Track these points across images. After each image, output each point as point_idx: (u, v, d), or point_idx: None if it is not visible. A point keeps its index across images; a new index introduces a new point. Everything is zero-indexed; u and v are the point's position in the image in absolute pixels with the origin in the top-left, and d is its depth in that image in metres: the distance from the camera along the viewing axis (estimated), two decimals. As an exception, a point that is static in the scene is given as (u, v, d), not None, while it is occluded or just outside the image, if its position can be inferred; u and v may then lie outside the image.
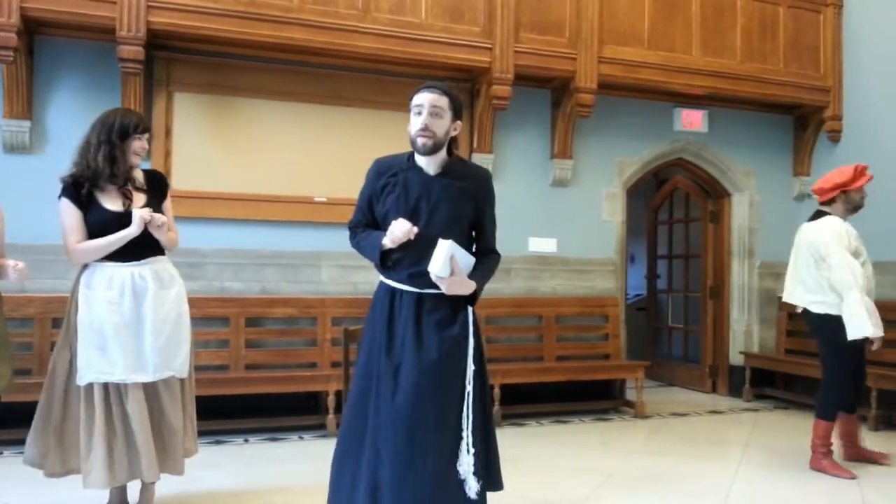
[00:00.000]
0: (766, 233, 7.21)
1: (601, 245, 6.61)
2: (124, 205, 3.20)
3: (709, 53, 6.47)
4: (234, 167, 5.53)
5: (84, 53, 5.19)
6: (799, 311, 4.62)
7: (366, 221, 2.73)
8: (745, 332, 7.16)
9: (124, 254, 3.18)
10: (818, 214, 4.54)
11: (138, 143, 3.23)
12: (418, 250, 2.56)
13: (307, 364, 5.57)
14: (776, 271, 7.18)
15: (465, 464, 2.56)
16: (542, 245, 6.40)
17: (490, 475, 2.68)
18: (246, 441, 5.01)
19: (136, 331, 3.16)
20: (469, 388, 2.60)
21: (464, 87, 6.10)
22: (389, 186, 2.63)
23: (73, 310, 3.19)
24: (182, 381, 3.34)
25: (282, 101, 5.66)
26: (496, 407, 5.57)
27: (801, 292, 4.56)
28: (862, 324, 4.20)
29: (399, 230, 2.53)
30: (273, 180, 5.61)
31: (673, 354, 8.09)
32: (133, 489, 3.34)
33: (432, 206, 2.60)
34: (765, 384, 7.01)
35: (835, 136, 6.93)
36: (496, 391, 5.55)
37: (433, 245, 2.52)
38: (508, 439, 5.19)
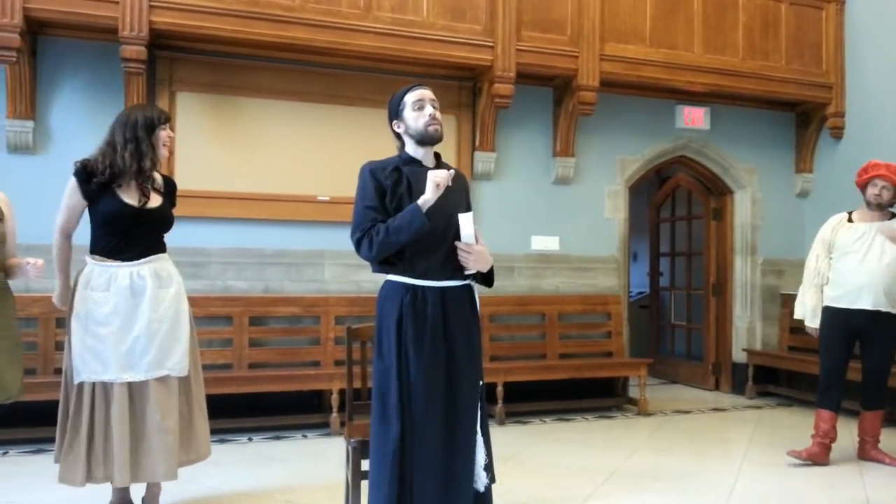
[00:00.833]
0: (768, 230, 7.21)
1: (604, 243, 6.61)
2: (140, 201, 3.20)
3: (710, 50, 6.47)
4: (237, 166, 5.54)
5: (87, 53, 5.20)
6: None
7: (381, 219, 2.60)
8: (748, 330, 7.15)
9: (124, 252, 3.18)
10: None
11: (164, 133, 3.26)
12: (440, 237, 2.61)
13: (310, 363, 5.58)
14: (779, 268, 7.19)
15: (480, 458, 2.62)
16: (545, 243, 6.40)
17: (490, 467, 2.72)
18: (249, 440, 5.02)
19: (131, 329, 3.15)
20: (481, 381, 2.68)
21: (466, 85, 6.11)
22: (394, 181, 2.64)
23: (71, 309, 3.20)
24: (184, 380, 3.29)
25: (284, 100, 5.67)
26: (499, 405, 5.59)
27: None
28: (798, 309, 4.73)
29: (439, 176, 2.55)
30: (276, 179, 5.62)
31: (676, 352, 8.09)
32: (135, 488, 3.34)
33: (442, 197, 2.62)
34: (768, 381, 7.00)
35: (837, 132, 6.92)
36: (499, 389, 5.56)
37: (449, 231, 2.60)
38: (511, 437, 5.20)
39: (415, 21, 5.58)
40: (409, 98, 2.69)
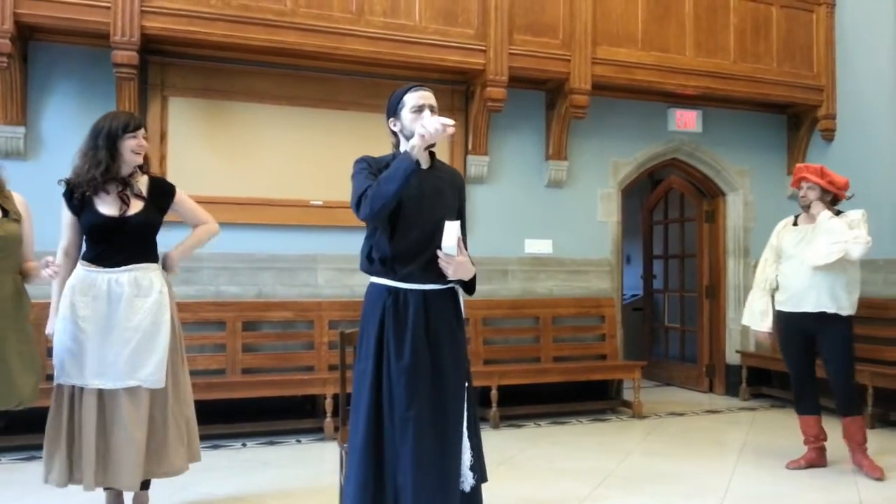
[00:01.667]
0: (761, 232, 7.20)
1: (597, 246, 6.62)
2: (120, 210, 3.19)
3: (702, 54, 6.49)
4: (229, 171, 5.53)
5: (78, 59, 5.18)
6: None
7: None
8: (742, 332, 7.16)
9: (106, 260, 3.18)
10: None
11: (133, 142, 3.21)
12: (424, 241, 2.60)
13: (304, 367, 5.56)
14: (771, 270, 7.20)
15: (466, 458, 2.61)
16: (538, 246, 6.41)
17: (480, 467, 2.71)
18: (243, 445, 5.00)
19: (106, 337, 3.14)
20: (467, 382, 2.68)
21: (458, 89, 6.11)
22: None
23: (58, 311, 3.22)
24: (160, 392, 3.20)
25: (276, 104, 5.67)
26: (494, 408, 5.58)
27: None
28: (746, 314, 4.74)
29: (432, 123, 2.47)
30: (268, 184, 5.61)
31: (670, 354, 8.10)
32: (129, 494, 3.33)
33: (433, 197, 2.63)
34: (761, 383, 7.02)
35: (828, 134, 6.95)
36: (494, 393, 5.56)
37: (436, 235, 2.57)
38: (506, 441, 5.19)
39: (407, 25, 5.58)
40: (410, 99, 2.67)
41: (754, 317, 4.64)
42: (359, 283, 5.71)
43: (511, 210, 6.28)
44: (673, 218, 8.06)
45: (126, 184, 3.22)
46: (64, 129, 5.11)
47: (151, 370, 3.17)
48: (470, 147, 6.11)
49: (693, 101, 6.81)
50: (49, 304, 3.32)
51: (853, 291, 4.35)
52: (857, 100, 6.71)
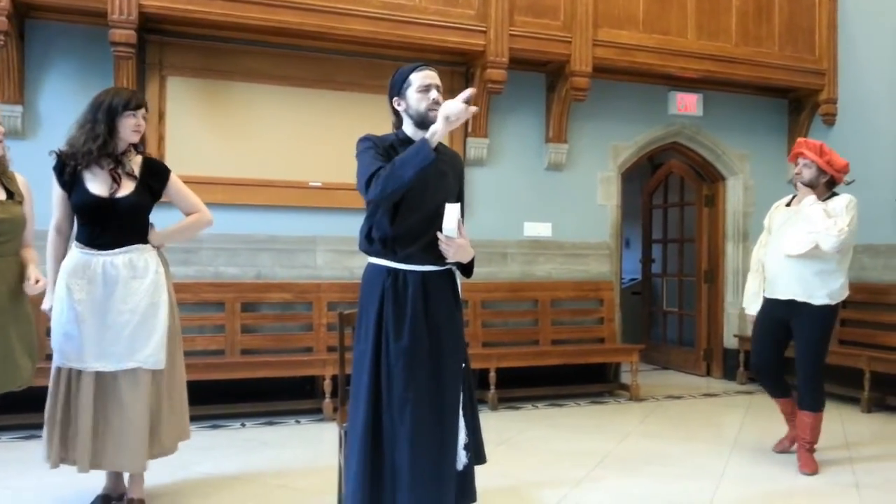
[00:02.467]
0: (760, 216, 7.09)
1: (596, 229, 6.62)
2: (111, 189, 3.13)
3: (704, 36, 6.45)
4: (228, 151, 5.51)
5: (76, 37, 5.14)
6: None
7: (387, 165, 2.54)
8: (740, 316, 7.17)
9: (99, 242, 3.13)
10: None
11: (132, 121, 3.15)
12: (425, 223, 2.59)
13: (303, 348, 5.57)
14: (770, 255, 7.20)
15: (461, 438, 2.62)
16: (538, 229, 6.40)
17: (477, 449, 2.73)
18: (242, 425, 5.02)
19: (103, 319, 3.11)
20: (464, 364, 2.69)
21: (458, 70, 6.08)
22: (389, 159, 2.61)
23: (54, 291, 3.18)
24: (157, 373, 3.19)
25: (275, 84, 5.63)
26: (492, 391, 5.60)
27: None
28: (744, 295, 4.56)
29: (456, 106, 2.43)
30: (267, 165, 5.59)
31: (668, 338, 8.12)
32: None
33: (436, 179, 2.62)
34: (759, 367, 7.04)
35: (829, 119, 6.92)
36: (492, 375, 5.58)
37: (437, 217, 2.56)
38: (504, 423, 5.22)
39: (406, 5, 5.54)
40: (416, 78, 2.63)
41: (748, 298, 4.51)
42: (358, 265, 5.70)
43: (511, 193, 6.27)
44: (672, 202, 8.05)
45: (119, 162, 3.16)
46: (62, 108, 5.06)
47: (151, 351, 3.15)
48: (470, 129, 6.08)
49: (694, 84, 6.78)
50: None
51: (830, 280, 4.06)
52: (858, 84, 6.69)
